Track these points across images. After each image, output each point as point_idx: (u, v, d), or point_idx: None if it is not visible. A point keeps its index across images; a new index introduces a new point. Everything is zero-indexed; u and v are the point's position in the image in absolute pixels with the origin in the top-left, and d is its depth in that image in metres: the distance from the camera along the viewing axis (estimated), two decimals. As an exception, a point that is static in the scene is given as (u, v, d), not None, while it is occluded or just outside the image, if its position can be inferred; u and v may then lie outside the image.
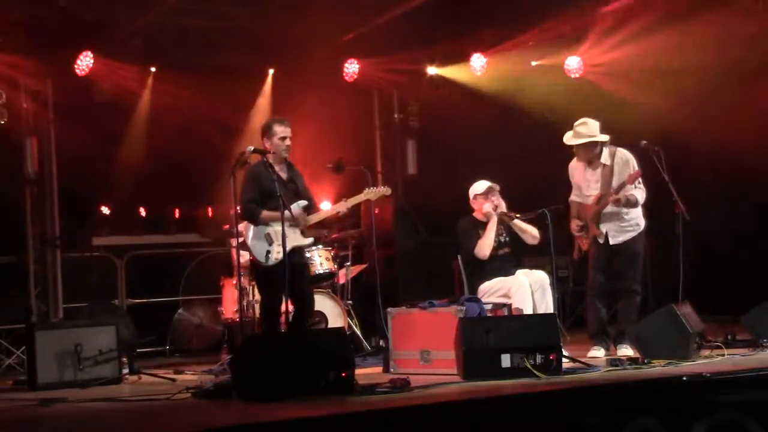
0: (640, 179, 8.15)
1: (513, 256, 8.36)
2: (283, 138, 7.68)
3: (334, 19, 9.80)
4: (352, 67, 10.96)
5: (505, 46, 10.93)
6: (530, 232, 8.32)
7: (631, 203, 8.15)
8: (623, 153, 8.24)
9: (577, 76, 11.34)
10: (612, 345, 8.25)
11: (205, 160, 10.41)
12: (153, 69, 10.21)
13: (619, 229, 8.24)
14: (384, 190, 8.18)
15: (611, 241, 8.24)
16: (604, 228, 8.23)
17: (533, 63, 11.34)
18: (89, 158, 10.07)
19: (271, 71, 10.76)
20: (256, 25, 10.01)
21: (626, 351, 7.99)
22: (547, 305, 7.96)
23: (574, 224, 8.41)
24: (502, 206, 8.37)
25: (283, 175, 7.71)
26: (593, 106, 8.56)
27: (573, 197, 8.49)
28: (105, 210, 10.59)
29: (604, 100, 10.60)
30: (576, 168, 8.44)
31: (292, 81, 10.74)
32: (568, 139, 8.27)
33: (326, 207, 8.81)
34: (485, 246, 8.24)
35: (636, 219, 8.29)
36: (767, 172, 10.35)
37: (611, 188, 8.13)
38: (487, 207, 8.33)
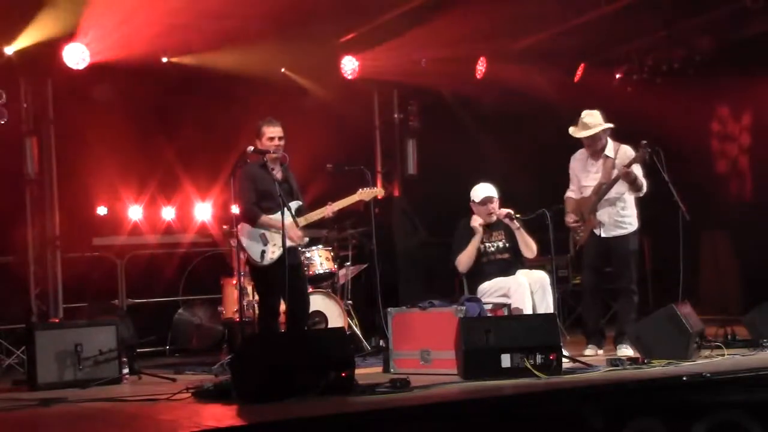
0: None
1: (513, 261, 8.25)
2: (272, 138, 7.67)
3: (335, 19, 9.79)
4: (351, 66, 10.95)
5: (507, 49, 10.94)
6: (530, 246, 8.18)
7: (638, 185, 8.17)
8: (626, 149, 8.29)
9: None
10: (605, 343, 8.30)
11: (205, 159, 10.41)
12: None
13: (613, 223, 8.28)
14: (377, 191, 8.18)
15: (604, 234, 8.28)
16: (600, 217, 8.26)
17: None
18: (89, 158, 10.07)
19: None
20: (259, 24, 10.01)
21: (626, 351, 8.00)
22: (547, 305, 7.94)
23: (570, 218, 8.44)
24: (501, 213, 8.18)
25: (278, 175, 7.71)
26: (596, 106, 8.54)
27: (569, 193, 8.53)
28: (104, 210, 10.57)
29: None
30: (578, 159, 8.49)
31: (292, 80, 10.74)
32: (576, 131, 8.28)
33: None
34: (464, 261, 8.17)
35: (630, 218, 8.34)
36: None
37: (611, 177, 8.16)
38: (475, 222, 8.22)
